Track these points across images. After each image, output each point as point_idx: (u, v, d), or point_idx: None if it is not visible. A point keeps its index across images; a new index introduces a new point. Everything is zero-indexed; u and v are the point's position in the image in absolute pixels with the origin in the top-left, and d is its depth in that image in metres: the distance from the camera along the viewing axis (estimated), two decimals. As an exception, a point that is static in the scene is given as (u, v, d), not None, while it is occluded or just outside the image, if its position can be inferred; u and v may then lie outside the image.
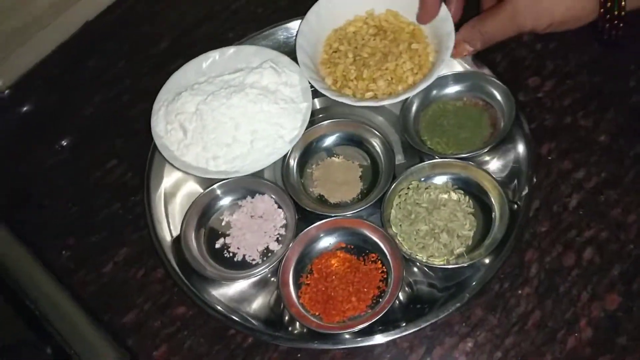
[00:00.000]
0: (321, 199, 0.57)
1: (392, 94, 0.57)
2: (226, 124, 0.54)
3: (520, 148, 0.56)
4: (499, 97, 0.57)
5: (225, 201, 0.58)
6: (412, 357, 0.49)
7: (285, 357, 0.50)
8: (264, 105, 0.55)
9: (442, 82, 0.59)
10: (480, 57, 0.60)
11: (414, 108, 0.59)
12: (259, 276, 0.53)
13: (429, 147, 0.57)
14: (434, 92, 0.59)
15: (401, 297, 0.51)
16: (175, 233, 0.57)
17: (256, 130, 0.54)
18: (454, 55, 0.56)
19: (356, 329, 0.47)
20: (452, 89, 0.59)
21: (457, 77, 0.59)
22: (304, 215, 0.55)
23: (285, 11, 0.72)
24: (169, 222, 0.58)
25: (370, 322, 0.47)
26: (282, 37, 0.66)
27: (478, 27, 0.55)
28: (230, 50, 0.62)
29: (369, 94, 0.57)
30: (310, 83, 0.57)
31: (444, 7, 0.57)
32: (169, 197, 0.60)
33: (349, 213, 0.54)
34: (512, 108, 0.55)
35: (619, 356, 0.46)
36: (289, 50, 0.64)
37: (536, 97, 0.60)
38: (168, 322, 0.54)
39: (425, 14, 0.57)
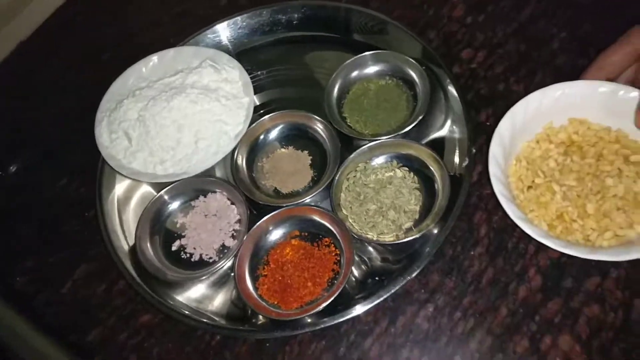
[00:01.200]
0: (275, 191, 0.58)
1: (635, 226, 0.44)
2: (169, 127, 0.55)
3: (457, 118, 0.58)
4: (416, 77, 0.60)
5: (177, 204, 0.58)
6: (376, 330, 0.50)
7: (255, 348, 0.51)
8: (205, 104, 0.55)
9: (362, 61, 0.61)
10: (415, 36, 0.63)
11: (337, 85, 0.60)
12: (217, 273, 0.53)
13: (347, 124, 0.58)
14: (356, 72, 0.61)
15: (357, 275, 0.52)
16: (132, 242, 0.57)
17: (199, 130, 0.55)
18: None
19: (310, 313, 0.48)
20: (373, 69, 0.61)
21: (376, 57, 0.61)
22: (259, 208, 0.56)
23: (226, 9, 0.72)
24: (125, 231, 0.58)
25: (325, 304, 0.48)
26: (221, 35, 0.67)
27: None
28: (170, 52, 0.62)
29: (609, 234, 0.45)
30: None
31: None
32: (122, 206, 0.60)
33: (301, 201, 0.55)
34: (427, 89, 0.57)
35: (567, 298, 0.48)
36: (230, 49, 0.66)
37: (470, 68, 0.63)
38: (134, 333, 0.54)
39: None
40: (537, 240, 0.48)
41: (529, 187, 0.49)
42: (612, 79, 0.49)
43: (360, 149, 0.56)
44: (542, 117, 0.50)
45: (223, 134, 0.55)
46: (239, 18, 0.66)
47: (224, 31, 0.66)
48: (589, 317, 0.48)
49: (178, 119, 0.55)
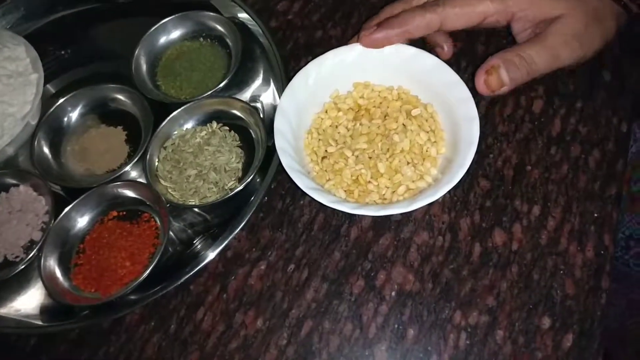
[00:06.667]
0: (89, 174, 0.53)
1: (424, 177, 0.45)
2: (-58, 118, 0.48)
3: (274, 70, 0.55)
4: (228, 35, 0.57)
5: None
6: (208, 299, 0.46)
7: (74, 345, 0.46)
8: (-18, 87, 0.49)
9: (171, 24, 0.57)
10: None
11: (145, 53, 0.56)
12: (26, 272, 0.47)
13: (162, 91, 0.55)
14: (166, 36, 0.57)
15: (182, 246, 0.49)
16: None
17: (-21, 116, 0.48)
18: (484, 88, 0.44)
19: (123, 291, 0.44)
20: (183, 31, 0.58)
21: (186, 19, 0.58)
22: (77, 195, 0.50)
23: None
24: None
25: (140, 280, 0.44)
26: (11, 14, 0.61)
27: (523, 53, 0.43)
28: (-56, 39, 0.54)
29: (402, 189, 0.45)
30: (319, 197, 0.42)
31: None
32: None
33: (112, 178, 0.50)
34: (239, 46, 0.55)
35: (397, 231, 0.48)
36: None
37: (287, 19, 0.60)
38: None
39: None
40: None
41: (324, 158, 0.47)
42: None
43: (172, 114, 0.52)
44: (326, 86, 0.49)
45: (8, 116, 0.49)
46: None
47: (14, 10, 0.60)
48: (419, 245, 0.47)
49: (-52, 108, 0.48)
